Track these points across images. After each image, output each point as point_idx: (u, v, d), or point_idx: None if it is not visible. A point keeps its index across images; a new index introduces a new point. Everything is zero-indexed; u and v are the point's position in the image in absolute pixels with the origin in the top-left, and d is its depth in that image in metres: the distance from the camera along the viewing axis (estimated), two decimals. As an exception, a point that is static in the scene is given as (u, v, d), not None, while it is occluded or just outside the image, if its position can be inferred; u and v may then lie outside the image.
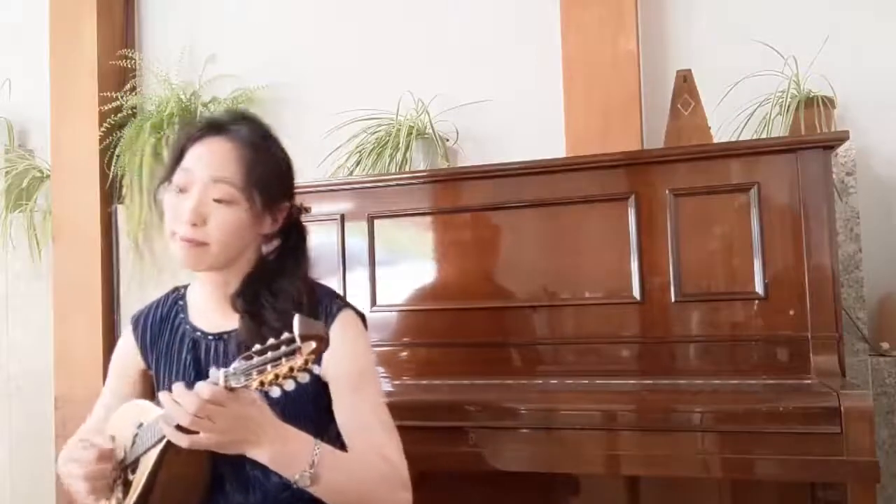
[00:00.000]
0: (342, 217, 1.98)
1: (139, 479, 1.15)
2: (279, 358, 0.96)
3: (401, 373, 1.87)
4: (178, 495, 1.17)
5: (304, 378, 0.97)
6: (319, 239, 1.97)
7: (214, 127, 1.22)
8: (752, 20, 2.27)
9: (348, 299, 1.88)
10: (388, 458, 1.18)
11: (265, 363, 0.97)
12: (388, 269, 1.94)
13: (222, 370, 1.01)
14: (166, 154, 1.27)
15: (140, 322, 1.37)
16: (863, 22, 2.19)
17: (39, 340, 2.88)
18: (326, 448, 1.12)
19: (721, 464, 1.46)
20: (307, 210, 1.33)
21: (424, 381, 1.79)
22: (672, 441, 1.48)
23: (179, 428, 1.02)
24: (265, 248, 1.29)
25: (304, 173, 2.54)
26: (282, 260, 1.28)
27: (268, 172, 1.22)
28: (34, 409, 2.87)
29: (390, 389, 1.76)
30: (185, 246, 1.18)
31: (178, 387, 1.03)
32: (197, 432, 1.02)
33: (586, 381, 1.69)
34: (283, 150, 1.30)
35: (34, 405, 2.88)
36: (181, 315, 1.33)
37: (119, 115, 2.81)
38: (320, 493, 1.11)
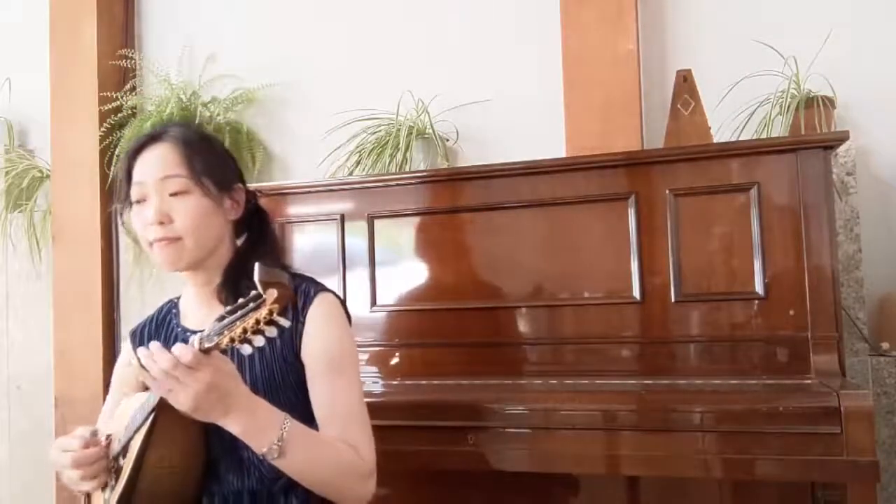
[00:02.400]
0: (342, 217, 1.98)
1: (128, 462, 1.15)
2: (246, 313, 0.99)
3: (401, 373, 1.87)
4: (171, 478, 1.17)
5: (272, 332, 1.00)
6: (319, 239, 1.99)
7: (150, 138, 1.30)
8: (752, 20, 2.27)
9: (348, 299, 1.92)
10: (355, 446, 1.20)
11: (234, 321, 1.00)
12: (388, 269, 1.94)
13: (198, 335, 1.05)
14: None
15: (137, 334, 1.41)
16: (863, 22, 2.19)
17: (39, 340, 2.88)
18: (296, 424, 1.14)
19: (721, 464, 1.46)
20: (260, 193, 1.42)
21: (424, 381, 1.79)
22: (672, 441, 1.48)
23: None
24: (239, 242, 1.35)
25: (304, 173, 2.57)
26: (254, 246, 1.33)
27: (210, 159, 1.29)
28: (34, 409, 2.88)
29: (391, 390, 1.76)
30: (161, 246, 1.25)
31: (155, 344, 1.07)
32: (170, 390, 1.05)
33: (586, 381, 1.69)
34: (218, 141, 1.41)
35: (34, 405, 2.88)
36: (174, 321, 1.37)
37: (119, 115, 2.81)
38: (287, 469, 1.14)
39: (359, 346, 1.89)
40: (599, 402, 1.55)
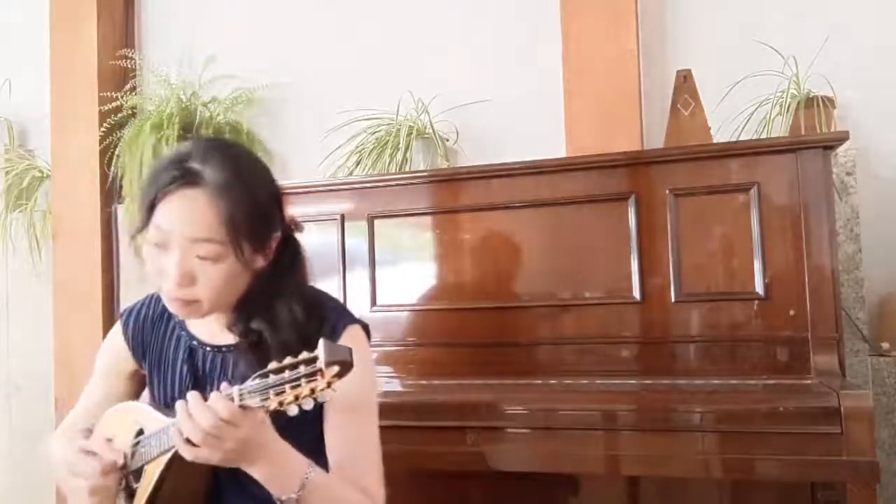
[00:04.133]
0: (342, 217, 1.98)
1: (144, 489, 1.14)
2: (298, 379, 0.93)
3: (401, 373, 1.87)
4: (181, 501, 1.17)
5: (324, 397, 0.95)
6: (319, 239, 1.98)
7: (185, 177, 1.09)
8: (752, 20, 2.27)
9: (348, 299, 1.92)
10: (367, 490, 1.16)
11: (283, 383, 0.94)
12: (388, 269, 1.94)
13: (237, 387, 0.98)
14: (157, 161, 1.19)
15: (131, 320, 1.33)
16: (863, 22, 2.19)
17: (39, 340, 2.88)
18: (318, 472, 1.11)
19: (721, 464, 1.46)
20: (298, 227, 1.24)
21: (424, 381, 1.79)
22: (672, 441, 1.48)
23: (188, 441, 1.01)
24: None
25: (304, 173, 2.57)
26: (276, 274, 1.19)
27: (252, 215, 1.11)
28: (34, 409, 2.88)
29: (391, 389, 1.76)
30: (176, 305, 1.14)
31: (194, 398, 1.00)
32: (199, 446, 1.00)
33: (586, 381, 1.69)
34: (262, 179, 1.18)
35: (34, 405, 2.88)
36: (175, 320, 1.29)
37: (119, 115, 2.80)
38: None
39: (359, 346, 1.89)
40: (599, 402, 1.55)
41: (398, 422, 1.59)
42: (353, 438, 1.19)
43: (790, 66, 2.13)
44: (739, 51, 2.23)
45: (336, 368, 0.93)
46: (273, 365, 0.95)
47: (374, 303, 1.94)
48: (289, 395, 0.94)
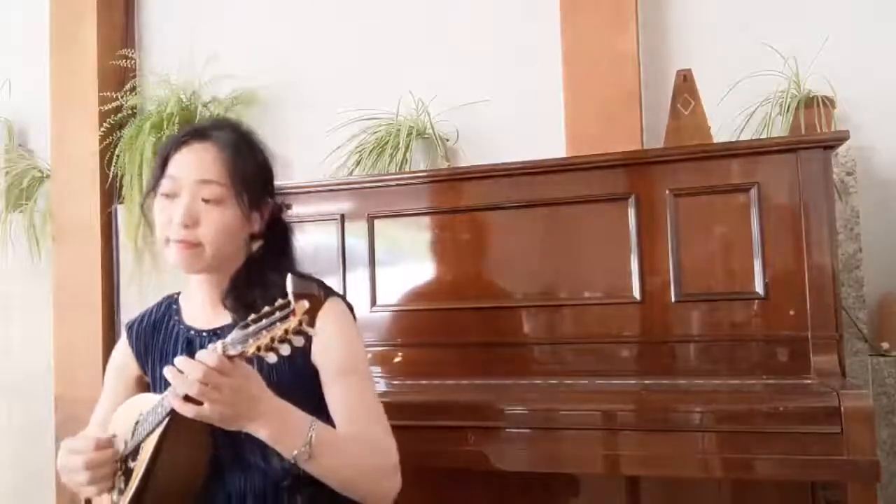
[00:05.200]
0: (342, 217, 1.98)
1: (140, 464, 1.15)
2: (274, 322, 0.98)
3: (401, 373, 1.87)
4: (180, 479, 1.17)
5: (300, 342, 0.99)
6: (319, 239, 1.98)
7: (197, 134, 1.26)
8: (752, 20, 2.27)
9: (348, 299, 1.91)
10: (378, 442, 1.20)
11: (261, 329, 0.99)
12: (388, 269, 1.94)
13: (220, 342, 1.03)
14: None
15: (134, 328, 1.39)
16: (863, 22, 2.19)
17: (39, 340, 2.88)
18: (323, 426, 1.14)
19: (721, 464, 1.46)
20: (288, 207, 1.37)
21: (424, 381, 1.79)
22: (672, 441, 1.48)
23: (186, 399, 1.04)
24: (254, 246, 1.32)
25: (305, 173, 2.57)
26: (268, 256, 1.31)
27: (251, 171, 1.26)
28: (34, 409, 2.87)
29: (391, 389, 1.76)
30: (180, 248, 1.21)
31: (181, 358, 1.05)
32: (201, 403, 1.03)
33: (586, 382, 1.69)
34: (263, 151, 1.33)
35: (34, 405, 2.88)
36: (175, 318, 1.35)
37: (119, 115, 2.81)
38: (315, 471, 1.13)
39: (359, 346, 1.89)
40: (599, 402, 1.55)
41: (399, 422, 1.58)
42: (355, 400, 1.23)
43: (790, 66, 2.13)
44: (739, 51, 2.23)
45: (305, 304, 0.97)
46: (252, 316, 1.01)
47: (374, 303, 1.94)
48: (265, 339, 0.98)
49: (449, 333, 1.85)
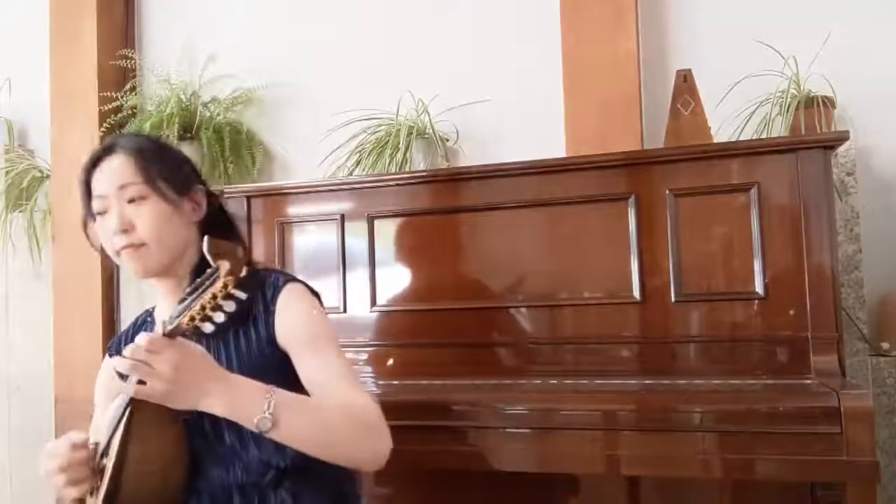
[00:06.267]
0: (342, 217, 1.98)
1: (109, 461, 1.13)
2: (203, 290, 1.00)
3: (401, 373, 1.87)
4: (154, 475, 1.14)
5: (230, 306, 1.00)
6: (319, 239, 1.98)
7: (104, 151, 1.32)
8: (752, 20, 2.27)
9: (348, 299, 1.92)
10: (349, 400, 1.18)
11: (193, 301, 1.00)
12: (387, 269, 1.94)
13: (161, 320, 1.06)
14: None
15: (113, 347, 1.43)
16: (863, 22, 2.19)
17: (39, 340, 2.88)
18: (284, 392, 1.12)
19: (721, 464, 1.46)
20: (221, 193, 1.44)
21: (424, 381, 1.79)
22: (672, 441, 1.48)
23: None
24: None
25: (305, 173, 2.57)
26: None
27: (163, 163, 1.31)
28: (34, 409, 2.87)
29: (391, 389, 1.76)
30: (128, 253, 1.27)
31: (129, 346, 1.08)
32: (145, 383, 1.05)
33: (586, 381, 1.69)
34: (172, 146, 1.44)
35: (34, 405, 2.88)
36: (149, 329, 1.38)
37: (119, 115, 2.80)
38: (285, 439, 1.11)
39: (358, 346, 1.90)
40: (599, 402, 1.55)
41: (398, 422, 1.58)
42: (322, 364, 1.23)
43: (790, 66, 2.13)
44: (739, 51, 2.23)
45: (227, 264, 0.98)
46: (187, 290, 1.05)
47: (374, 303, 1.94)
48: (196, 308, 1.00)
49: (449, 333, 1.85)
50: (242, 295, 1.00)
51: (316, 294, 1.33)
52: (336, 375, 1.22)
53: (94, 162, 1.32)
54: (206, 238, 1.02)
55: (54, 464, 1.17)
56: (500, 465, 1.57)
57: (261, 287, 1.26)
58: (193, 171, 1.38)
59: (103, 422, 1.27)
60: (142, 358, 1.04)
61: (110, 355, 1.41)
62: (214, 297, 0.98)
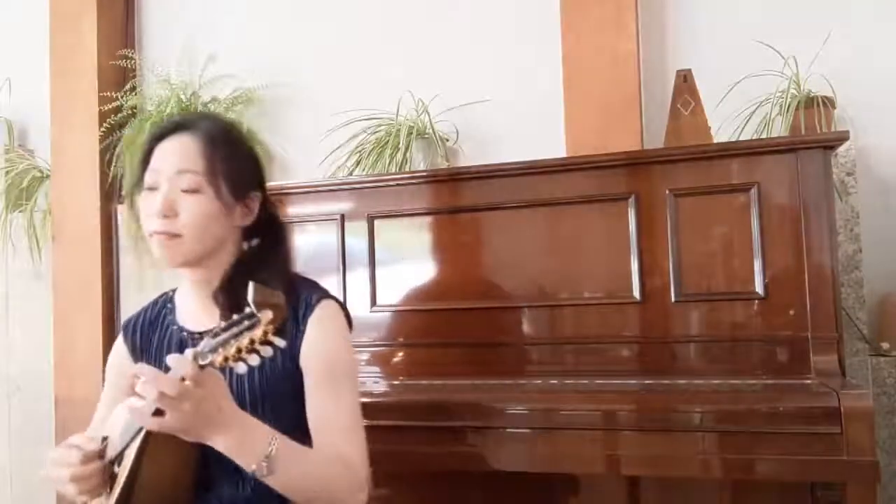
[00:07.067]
0: (342, 217, 1.98)
1: (122, 471, 1.14)
2: (241, 332, 0.98)
3: (401, 373, 1.87)
4: (164, 490, 1.15)
5: (267, 352, 0.99)
6: (319, 239, 1.98)
7: (177, 126, 1.26)
8: (752, 20, 2.27)
9: (348, 299, 1.92)
10: (347, 458, 1.17)
11: (229, 338, 0.98)
12: (388, 269, 1.94)
13: (192, 349, 1.02)
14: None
15: (130, 327, 1.38)
16: (863, 22, 2.19)
17: (39, 340, 2.88)
18: (285, 441, 1.11)
19: (721, 464, 1.46)
20: (279, 204, 1.37)
21: (424, 381, 1.79)
22: (672, 441, 1.48)
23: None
24: (245, 245, 1.31)
25: (305, 173, 2.57)
26: (261, 255, 1.29)
27: (231, 161, 1.24)
28: (34, 409, 2.87)
29: (391, 389, 1.76)
30: (160, 240, 1.21)
31: (144, 367, 1.04)
32: (163, 414, 1.02)
33: (586, 381, 1.69)
34: (247, 143, 1.33)
35: (34, 405, 2.87)
36: (169, 317, 1.34)
37: (119, 115, 2.80)
38: (277, 485, 1.11)
39: (359, 346, 1.89)
40: (599, 402, 1.55)
41: (398, 422, 1.59)
42: (331, 410, 1.20)
43: (790, 66, 2.13)
44: (739, 51, 2.23)
45: (269, 314, 0.97)
46: (221, 324, 1.01)
47: (374, 303, 1.94)
48: (232, 348, 0.98)
49: (449, 333, 1.85)
50: (281, 343, 0.99)
51: (346, 312, 1.30)
52: (341, 422, 1.20)
53: (163, 134, 1.25)
54: (251, 285, 0.98)
55: (66, 473, 1.15)
56: (500, 464, 1.57)
57: (294, 302, 1.22)
58: (258, 173, 1.31)
59: (115, 414, 1.26)
60: (172, 395, 1.00)
61: (125, 336, 1.37)
62: (252, 342, 0.97)
